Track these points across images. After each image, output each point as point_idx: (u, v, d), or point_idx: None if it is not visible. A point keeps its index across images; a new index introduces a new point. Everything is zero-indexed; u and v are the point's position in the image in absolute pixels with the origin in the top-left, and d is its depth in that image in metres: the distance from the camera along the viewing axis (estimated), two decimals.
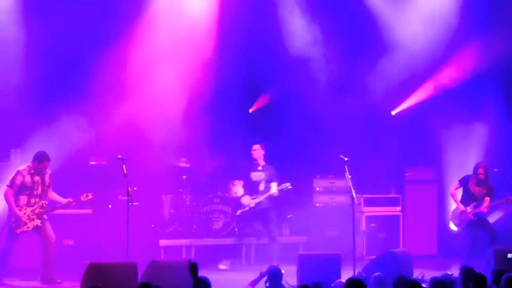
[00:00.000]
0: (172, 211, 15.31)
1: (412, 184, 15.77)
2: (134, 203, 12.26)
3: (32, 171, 12.61)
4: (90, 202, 12.87)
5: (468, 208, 13.72)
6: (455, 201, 13.91)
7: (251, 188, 14.39)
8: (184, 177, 15.33)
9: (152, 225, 14.90)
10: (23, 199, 12.53)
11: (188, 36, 14.91)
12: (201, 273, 11.06)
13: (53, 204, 12.86)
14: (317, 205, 15.71)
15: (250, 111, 16.14)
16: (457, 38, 15.61)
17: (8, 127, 13.90)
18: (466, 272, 9.11)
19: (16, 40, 13.96)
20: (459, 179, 14.01)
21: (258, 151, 14.32)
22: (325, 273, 11.37)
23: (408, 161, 15.93)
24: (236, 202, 14.80)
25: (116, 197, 14.36)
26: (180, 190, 15.32)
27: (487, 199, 13.72)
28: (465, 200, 13.87)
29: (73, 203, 12.86)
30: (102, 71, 14.30)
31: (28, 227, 12.47)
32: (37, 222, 12.53)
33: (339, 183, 15.40)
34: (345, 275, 11.21)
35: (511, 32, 15.32)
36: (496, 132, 15.67)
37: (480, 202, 13.70)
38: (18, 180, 12.53)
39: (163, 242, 14.62)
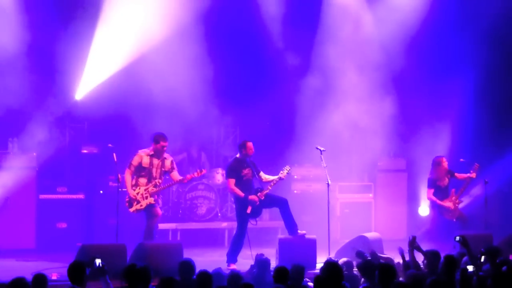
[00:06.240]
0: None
1: (384, 173, 15.75)
2: (123, 189, 12.23)
3: (152, 152, 12.21)
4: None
5: (453, 199, 13.57)
6: (440, 204, 13.54)
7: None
8: None
9: None
10: (142, 181, 12.14)
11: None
12: (186, 254, 11.13)
13: (167, 182, 12.55)
14: (295, 192, 15.63)
15: None
16: (426, 33, 15.50)
17: (6, 117, 13.65)
18: (435, 255, 9.14)
19: (11, 36, 13.53)
20: (428, 184, 13.76)
21: None
22: (302, 254, 11.46)
23: (380, 152, 15.83)
24: (218, 189, 14.80)
25: (107, 183, 14.24)
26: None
27: (453, 190, 13.68)
28: (441, 197, 13.66)
29: (186, 180, 12.39)
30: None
31: (141, 205, 12.05)
32: (151, 200, 12.08)
33: (316, 171, 15.28)
34: (320, 257, 11.34)
35: (479, 28, 15.24)
36: (461, 125, 15.61)
37: (455, 189, 13.65)
38: (135, 161, 12.13)
39: None
